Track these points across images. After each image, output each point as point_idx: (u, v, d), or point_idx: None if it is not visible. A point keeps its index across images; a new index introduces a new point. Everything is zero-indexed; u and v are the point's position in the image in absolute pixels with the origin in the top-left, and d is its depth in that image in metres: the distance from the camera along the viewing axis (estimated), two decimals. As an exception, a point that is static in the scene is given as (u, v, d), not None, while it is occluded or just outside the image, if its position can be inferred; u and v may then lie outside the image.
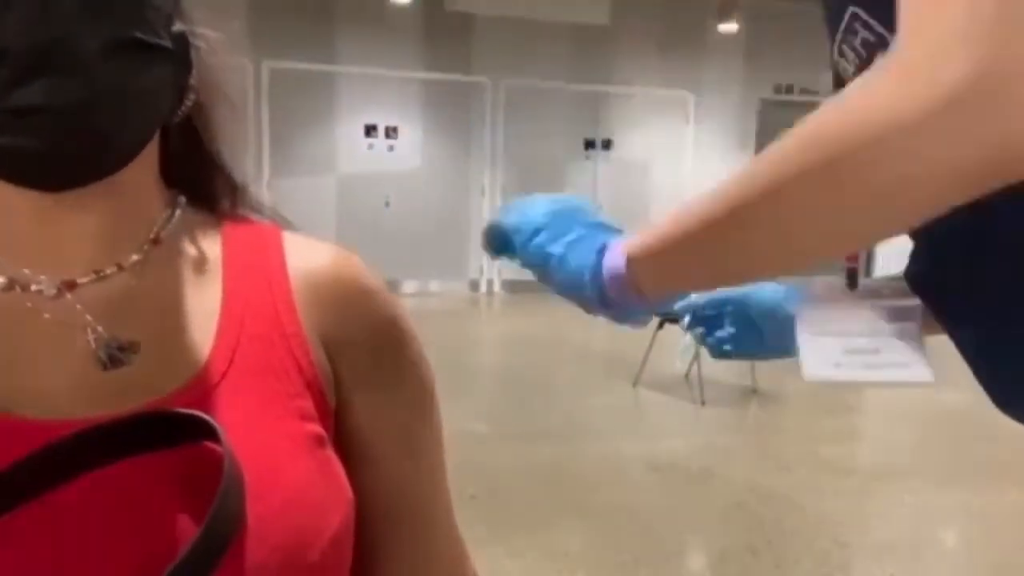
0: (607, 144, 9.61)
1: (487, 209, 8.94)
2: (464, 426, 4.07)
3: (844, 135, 0.49)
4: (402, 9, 8.46)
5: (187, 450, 0.47)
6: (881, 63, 0.50)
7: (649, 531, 3.02)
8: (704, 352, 1.00)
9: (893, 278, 0.84)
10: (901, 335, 0.80)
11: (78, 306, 0.49)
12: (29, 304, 0.49)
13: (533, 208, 0.66)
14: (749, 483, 3.46)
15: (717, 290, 0.94)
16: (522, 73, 8.90)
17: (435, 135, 8.95)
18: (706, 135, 9.70)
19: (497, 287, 8.93)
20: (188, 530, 0.44)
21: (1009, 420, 0.74)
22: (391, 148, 8.79)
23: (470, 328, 7.64)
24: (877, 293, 0.82)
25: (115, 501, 0.45)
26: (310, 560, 0.48)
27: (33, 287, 0.49)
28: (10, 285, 0.49)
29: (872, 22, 0.63)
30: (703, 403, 4.69)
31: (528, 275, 0.74)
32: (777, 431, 4.39)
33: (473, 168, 9.15)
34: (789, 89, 9.67)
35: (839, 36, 0.67)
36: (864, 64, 0.64)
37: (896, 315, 0.81)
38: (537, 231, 0.64)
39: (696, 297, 0.95)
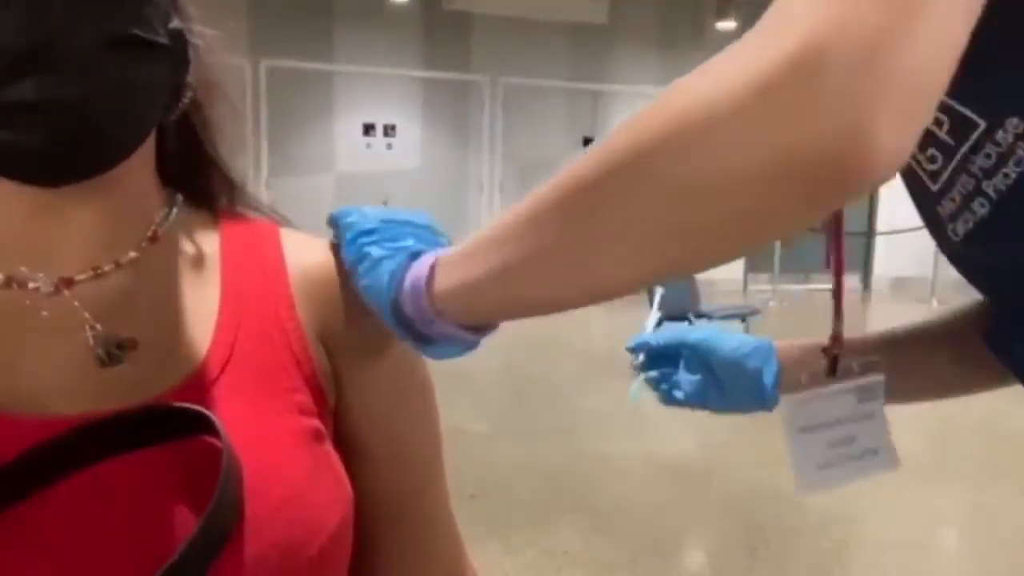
0: (606, 142, 9.60)
1: (486, 207, 8.95)
2: (463, 425, 4.07)
3: (653, 123, 0.40)
4: (400, 7, 8.45)
5: (186, 445, 0.47)
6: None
7: (648, 529, 3.03)
8: None
9: (865, 346, 0.81)
10: (871, 416, 0.79)
11: (76, 303, 0.49)
12: (27, 302, 0.49)
13: (375, 211, 0.56)
14: (748, 481, 3.46)
15: (669, 330, 0.86)
16: (520, 71, 8.90)
17: (433, 133, 8.95)
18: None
19: (496, 286, 8.90)
20: (187, 524, 0.44)
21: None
22: (389, 147, 8.79)
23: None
24: (849, 370, 0.79)
25: (114, 496, 0.45)
26: (309, 555, 0.48)
27: (31, 285, 0.49)
28: (7, 283, 0.49)
29: (957, 106, 0.56)
30: (702, 401, 4.68)
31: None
32: (777, 429, 4.38)
33: (471, 166, 9.14)
34: (787, 87, 9.67)
35: None
36: (952, 153, 0.58)
37: (865, 394, 0.79)
38: (368, 231, 0.54)
39: (651, 336, 0.86)
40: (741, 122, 0.37)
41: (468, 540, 0.65)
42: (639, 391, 0.89)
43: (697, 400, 0.85)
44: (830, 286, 0.81)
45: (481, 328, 0.52)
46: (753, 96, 0.36)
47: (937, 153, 0.58)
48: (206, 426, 0.47)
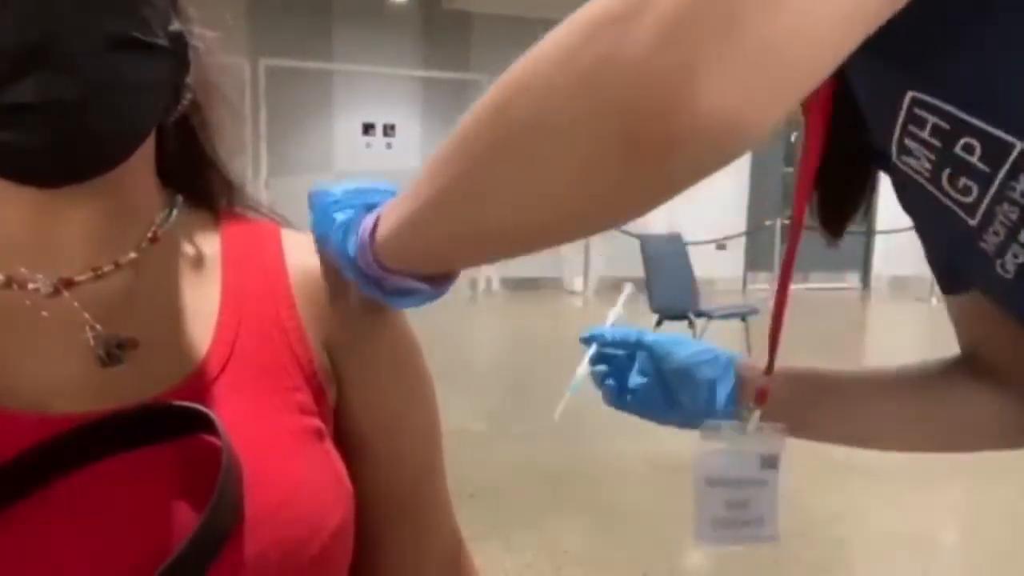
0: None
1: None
2: (463, 424, 4.07)
3: (519, 65, 0.39)
4: (400, 7, 8.45)
5: (186, 444, 0.47)
6: None
7: (649, 528, 3.03)
8: None
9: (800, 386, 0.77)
10: (766, 484, 0.77)
11: (75, 304, 0.49)
12: (28, 302, 0.49)
13: (342, 184, 0.57)
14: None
15: (625, 329, 0.80)
16: (520, 71, 8.89)
17: (433, 133, 8.94)
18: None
19: (496, 285, 8.92)
20: (187, 523, 0.44)
21: None
22: (389, 146, 8.80)
23: (469, 326, 7.64)
24: (760, 431, 0.75)
25: (114, 494, 0.46)
26: (311, 553, 0.48)
27: (30, 285, 0.49)
28: (7, 283, 0.49)
29: (941, 104, 0.50)
30: (702, 400, 4.68)
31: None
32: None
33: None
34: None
35: (898, 131, 0.53)
36: (944, 159, 0.52)
37: (767, 462, 0.76)
38: (334, 201, 0.54)
39: (608, 330, 0.81)
40: (565, 62, 0.35)
41: (468, 539, 0.66)
42: (580, 385, 0.81)
43: (641, 405, 0.80)
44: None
45: (433, 278, 0.52)
46: (581, 34, 0.35)
47: (971, 183, 0.51)
48: (206, 425, 0.47)
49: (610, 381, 0.81)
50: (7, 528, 0.44)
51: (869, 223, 9.00)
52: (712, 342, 0.82)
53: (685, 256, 5.68)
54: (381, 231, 0.50)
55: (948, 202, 0.54)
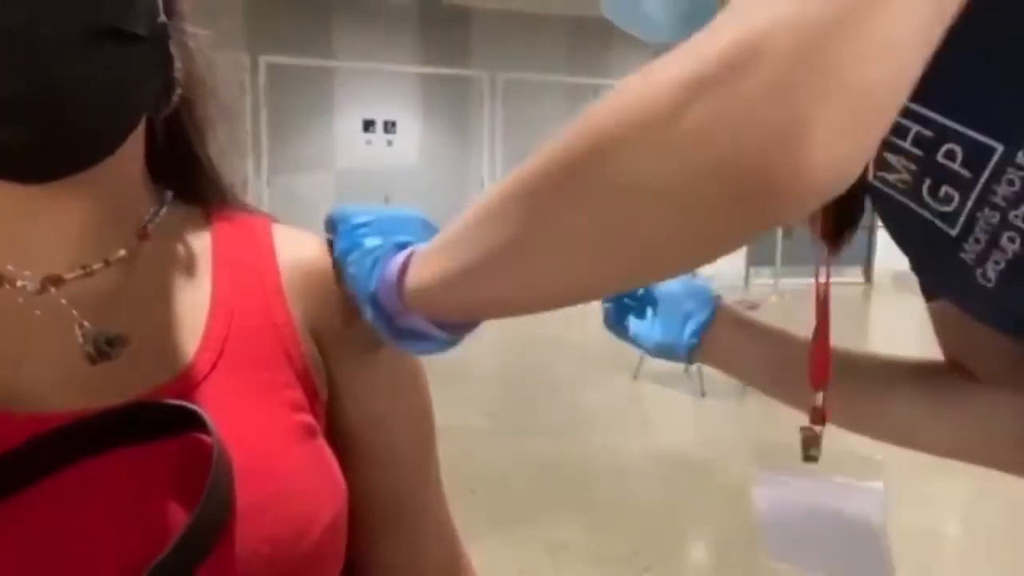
0: (606, 137, 9.59)
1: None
2: (464, 420, 4.07)
3: (593, 122, 0.38)
4: (399, 3, 8.43)
5: (177, 441, 0.47)
6: None
7: (649, 523, 3.03)
8: None
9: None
10: (858, 533, 0.68)
11: (63, 301, 0.49)
12: (19, 300, 0.49)
13: (371, 207, 0.56)
14: (749, 475, 3.44)
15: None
16: (520, 67, 8.88)
17: (434, 129, 8.94)
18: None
19: (496, 281, 8.91)
20: (178, 520, 0.44)
21: None
22: (390, 143, 8.78)
23: (470, 322, 7.64)
24: (838, 469, 0.69)
25: (105, 492, 0.45)
26: (304, 550, 0.48)
27: (19, 283, 0.49)
28: None
29: (924, 111, 0.49)
30: (703, 395, 4.69)
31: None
32: (777, 423, 4.39)
33: (472, 162, 9.13)
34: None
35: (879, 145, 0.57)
36: (925, 168, 0.51)
37: (856, 498, 0.69)
38: (364, 223, 0.53)
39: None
40: (670, 122, 0.35)
41: (468, 535, 0.65)
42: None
43: (635, 329, 0.84)
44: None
45: (454, 326, 0.51)
46: (684, 93, 0.34)
47: (952, 191, 0.51)
48: (196, 422, 0.47)
49: (611, 307, 0.85)
50: None
51: (872, 218, 8.98)
52: None
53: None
54: (412, 279, 0.49)
55: (928, 214, 0.53)
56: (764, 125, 0.33)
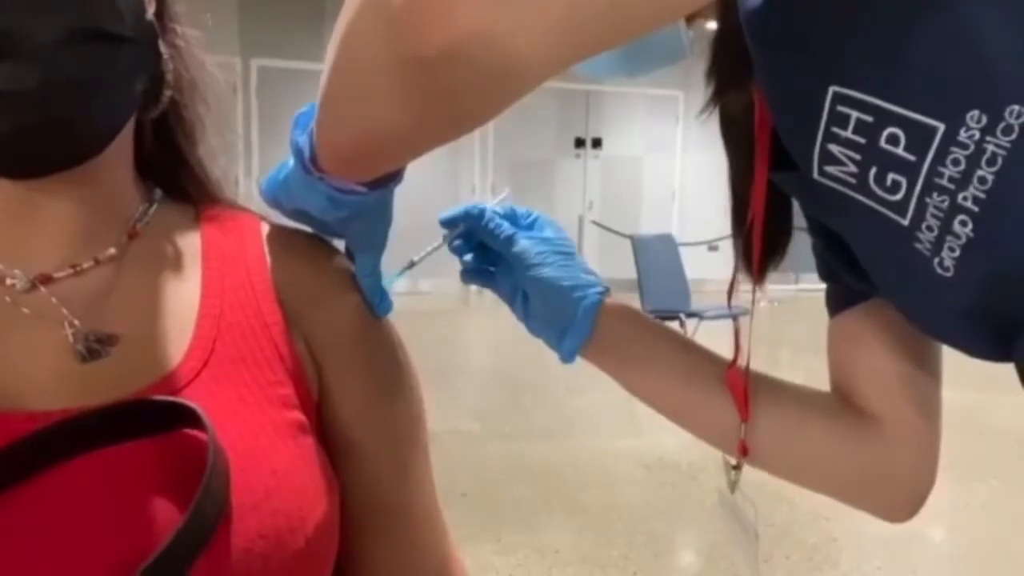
0: (597, 143, 9.62)
1: (477, 208, 8.93)
2: (455, 424, 4.07)
3: None
4: (391, 7, 8.43)
5: (170, 438, 0.47)
6: None
7: (639, 527, 3.03)
8: None
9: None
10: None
11: (53, 300, 0.49)
12: (8, 298, 0.49)
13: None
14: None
15: (499, 220, 0.73)
16: (512, 71, 8.89)
17: (425, 133, 8.93)
18: (696, 134, 9.72)
19: (488, 286, 8.90)
20: (172, 517, 0.44)
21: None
22: (381, 147, 8.77)
23: (461, 327, 7.64)
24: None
25: (98, 489, 0.45)
26: (295, 547, 0.48)
27: (8, 281, 0.49)
28: None
29: (861, 95, 0.48)
30: (693, 400, 4.69)
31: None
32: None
33: (463, 167, 9.13)
34: (778, 87, 9.68)
35: (820, 137, 0.51)
36: (869, 156, 0.50)
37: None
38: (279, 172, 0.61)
39: (469, 218, 0.74)
40: None
41: (460, 539, 0.65)
42: (398, 277, 0.67)
43: (492, 288, 0.77)
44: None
45: (370, 183, 0.54)
46: None
47: (899, 177, 0.49)
48: (190, 419, 0.47)
49: (468, 257, 0.77)
50: None
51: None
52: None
53: (677, 257, 5.69)
54: (317, 149, 0.54)
55: (877, 206, 0.52)
56: None
